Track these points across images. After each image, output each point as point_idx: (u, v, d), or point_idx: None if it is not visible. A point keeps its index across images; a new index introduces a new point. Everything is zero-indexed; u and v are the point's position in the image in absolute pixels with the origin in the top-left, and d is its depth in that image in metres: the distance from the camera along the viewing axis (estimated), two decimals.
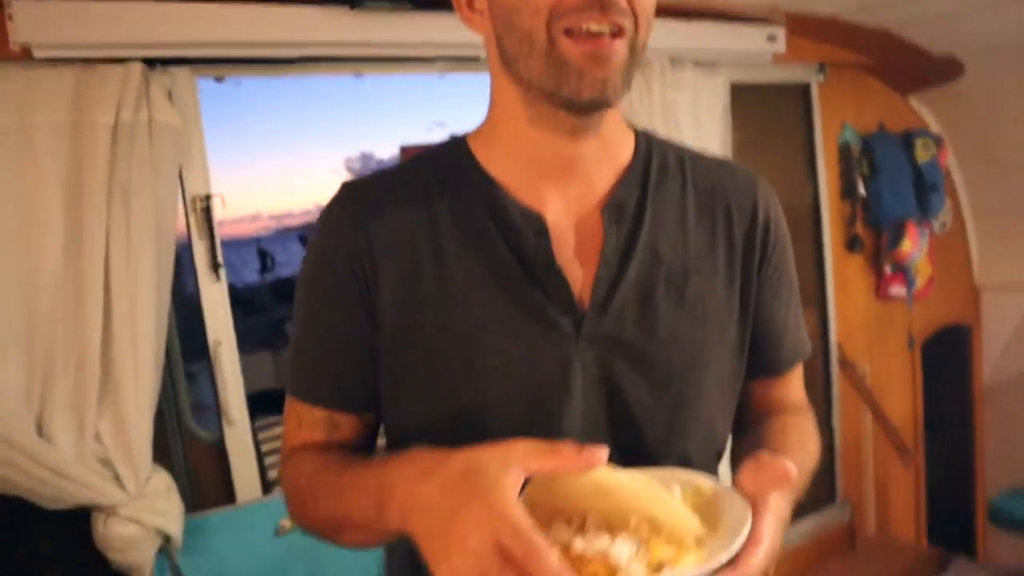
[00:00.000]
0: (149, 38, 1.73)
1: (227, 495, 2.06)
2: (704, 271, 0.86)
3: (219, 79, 2.03)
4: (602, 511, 0.65)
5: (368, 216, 0.85)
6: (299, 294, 0.90)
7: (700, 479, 0.74)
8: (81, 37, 1.65)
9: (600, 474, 0.65)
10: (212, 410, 2.17)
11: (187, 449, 2.04)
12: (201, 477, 2.06)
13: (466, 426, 0.81)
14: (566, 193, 0.85)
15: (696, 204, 0.89)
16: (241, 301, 2.00)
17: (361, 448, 0.93)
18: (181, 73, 1.86)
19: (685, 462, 0.85)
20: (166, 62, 1.82)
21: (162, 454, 1.88)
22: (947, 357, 3.91)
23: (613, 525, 0.65)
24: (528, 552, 0.58)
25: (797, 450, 0.87)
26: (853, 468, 3.61)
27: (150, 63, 1.75)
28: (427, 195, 0.86)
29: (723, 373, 0.88)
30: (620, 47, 0.74)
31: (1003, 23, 2.74)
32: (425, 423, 0.84)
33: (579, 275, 0.83)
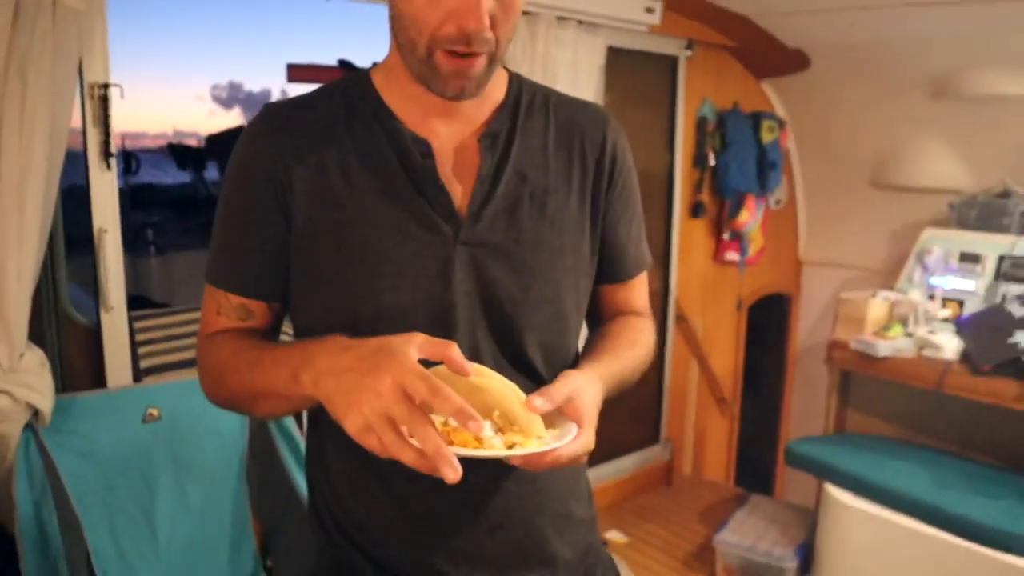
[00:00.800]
0: None
1: (98, 380, 2.12)
2: (561, 190, 1.06)
3: None
4: (473, 404, 0.82)
5: (285, 131, 1.00)
6: (223, 196, 1.05)
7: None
8: None
9: (476, 378, 0.85)
10: (81, 304, 2.21)
11: (62, 332, 2.06)
12: (73, 361, 2.10)
13: (364, 305, 0.98)
14: (450, 126, 1.03)
15: (556, 135, 1.08)
16: None
17: (269, 334, 1.09)
18: None
19: (546, 352, 1.06)
20: None
21: (37, 335, 1.91)
22: (768, 321, 4.34)
23: (480, 415, 0.83)
24: (431, 389, 0.77)
25: (627, 348, 1.10)
26: (677, 413, 3.96)
27: None
28: (335, 119, 1.02)
29: (575, 277, 1.08)
30: (481, 62, 0.93)
31: (847, 27, 3.07)
32: (329, 304, 1.00)
33: (459, 191, 1.01)
